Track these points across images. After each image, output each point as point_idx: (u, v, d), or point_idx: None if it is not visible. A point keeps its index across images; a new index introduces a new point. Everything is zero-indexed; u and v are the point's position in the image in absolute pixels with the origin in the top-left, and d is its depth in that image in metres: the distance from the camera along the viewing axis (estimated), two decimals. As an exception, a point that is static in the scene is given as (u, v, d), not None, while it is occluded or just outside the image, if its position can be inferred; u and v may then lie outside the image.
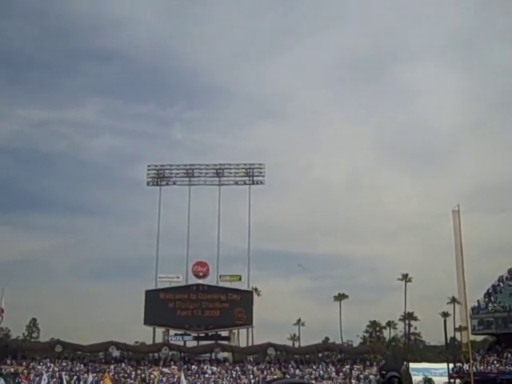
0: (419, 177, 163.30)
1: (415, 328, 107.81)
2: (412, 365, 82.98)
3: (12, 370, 72.04)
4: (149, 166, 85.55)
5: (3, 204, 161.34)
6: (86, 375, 70.68)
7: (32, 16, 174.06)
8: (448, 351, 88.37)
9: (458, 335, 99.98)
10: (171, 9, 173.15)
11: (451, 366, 73.37)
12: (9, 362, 73.97)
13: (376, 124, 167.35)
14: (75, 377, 71.23)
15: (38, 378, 68.79)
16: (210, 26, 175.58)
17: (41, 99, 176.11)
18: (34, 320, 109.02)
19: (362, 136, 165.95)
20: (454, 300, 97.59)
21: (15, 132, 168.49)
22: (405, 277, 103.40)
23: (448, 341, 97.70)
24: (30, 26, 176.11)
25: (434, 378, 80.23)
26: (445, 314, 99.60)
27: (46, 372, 69.19)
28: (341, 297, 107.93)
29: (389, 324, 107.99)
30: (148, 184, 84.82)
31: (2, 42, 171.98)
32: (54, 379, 69.24)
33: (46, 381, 63.42)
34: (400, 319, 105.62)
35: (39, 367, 73.18)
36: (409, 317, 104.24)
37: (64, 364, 74.54)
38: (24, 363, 74.42)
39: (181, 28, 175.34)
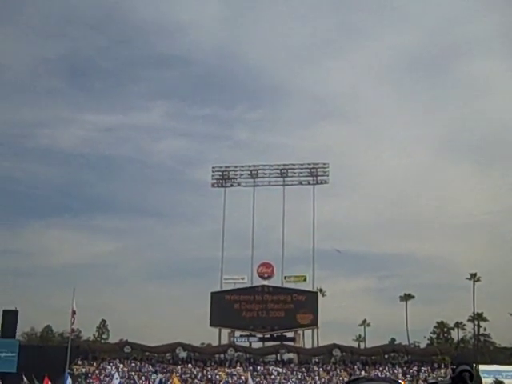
0: (487, 172, 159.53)
1: (485, 329, 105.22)
2: (482, 367, 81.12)
3: (83, 370, 73.83)
4: (213, 167, 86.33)
5: (72, 208, 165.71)
6: (153, 376, 71.92)
7: (98, 25, 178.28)
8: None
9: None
10: (232, 12, 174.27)
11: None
12: (80, 362, 75.81)
13: (441, 120, 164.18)
14: (143, 377, 72.51)
15: (108, 379, 70.33)
16: (271, 28, 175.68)
17: (107, 105, 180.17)
18: (104, 321, 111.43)
19: (426, 133, 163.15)
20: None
21: (82, 137, 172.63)
22: (473, 276, 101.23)
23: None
24: (97, 35, 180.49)
25: (506, 381, 78.29)
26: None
27: (117, 372, 70.75)
28: (407, 297, 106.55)
29: (457, 325, 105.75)
30: (213, 185, 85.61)
31: (70, 51, 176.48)
32: (124, 379, 70.64)
33: (118, 380, 64.74)
34: (469, 320, 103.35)
35: (109, 368, 74.76)
36: (478, 317, 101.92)
37: (133, 364, 75.95)
38: (94, 364, 76.20)
39: (242, 30, 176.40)
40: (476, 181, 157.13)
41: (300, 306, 78.95)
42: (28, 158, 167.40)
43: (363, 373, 71.54)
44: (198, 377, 73.02)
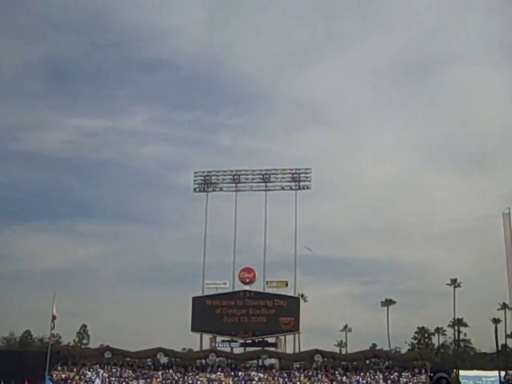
0: (469, 179, 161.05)
1: (465, 335, 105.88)
2: (462, 372, 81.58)
3: (63, 375, 73.20)
4: (195, 172, 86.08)
5: (55, 212, 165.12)
6: (134, 381, 71.52)
7: (83, 28, 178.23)
8: (499, 358, 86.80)
9: (509, 342, 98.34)
10: (217, 18, 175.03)
11: (503, 373, 71.98)
12: (60, 368, 75.15)
13: (424, 127, 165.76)
14: (124, 383, 72.06)
15: (88, 384, 69.81)
16: (255, 34, 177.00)
17: (91, 109, 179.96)
18: (84, 326, 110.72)
19: (409, 139, 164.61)
20: (505, 306, 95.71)
21: (67, 141, 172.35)
22: (454, 282, 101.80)
23: (499, 348, 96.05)
24: (81, 39, 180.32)
25: (485, 386, 78.82)
26: (496, 321, 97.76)
27: (98, 377, 70.27)
28: (388, 302, 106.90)
29: (437, 330, 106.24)
30: (195, 190, 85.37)
31: (54, 55, 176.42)
32: (104, 385, 70.21)
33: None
34: (449, 325, 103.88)
35: (89, 373, 74.22)
36: (458, 323, 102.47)
37: (113, 370, 75.43)
38: (75, 369, 75.58)
39: (227, 36, 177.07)
40: (459, 188, 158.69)
41: (281, 311, 78.84)
42: (11, 162, 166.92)
43: (344, 378, 71.62)
44: (179, 382, 72.70)
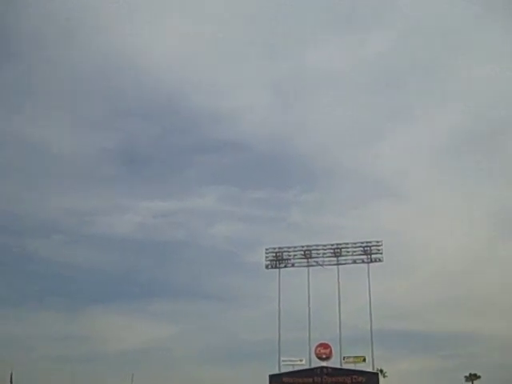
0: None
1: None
2: None
3: None
4: (267, 249, 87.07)
5: (130, 293, 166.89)
6: None
7: (153, 115, 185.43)
8: None
9: None
10: (283, 97, 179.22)
11: None
12: None
13: (496, 193, 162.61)
14: None
15: None
16: (322, 113, 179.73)
17: (162, 191, 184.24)
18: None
19: (483, 207, 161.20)
20: None
21: (138, 223, 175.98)
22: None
23: None
24: (152, 125, 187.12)
25: None
26: None
27: None
28: (472, 377, 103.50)
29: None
30: (267, 267, 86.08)
31: (127, 141, 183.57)
32: None
33: None
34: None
35: None
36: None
37: None
38: None
39: (293, 115, 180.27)
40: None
41: (360, 387, 77.23)
42: (85, 245, 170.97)
43: None
44: None
